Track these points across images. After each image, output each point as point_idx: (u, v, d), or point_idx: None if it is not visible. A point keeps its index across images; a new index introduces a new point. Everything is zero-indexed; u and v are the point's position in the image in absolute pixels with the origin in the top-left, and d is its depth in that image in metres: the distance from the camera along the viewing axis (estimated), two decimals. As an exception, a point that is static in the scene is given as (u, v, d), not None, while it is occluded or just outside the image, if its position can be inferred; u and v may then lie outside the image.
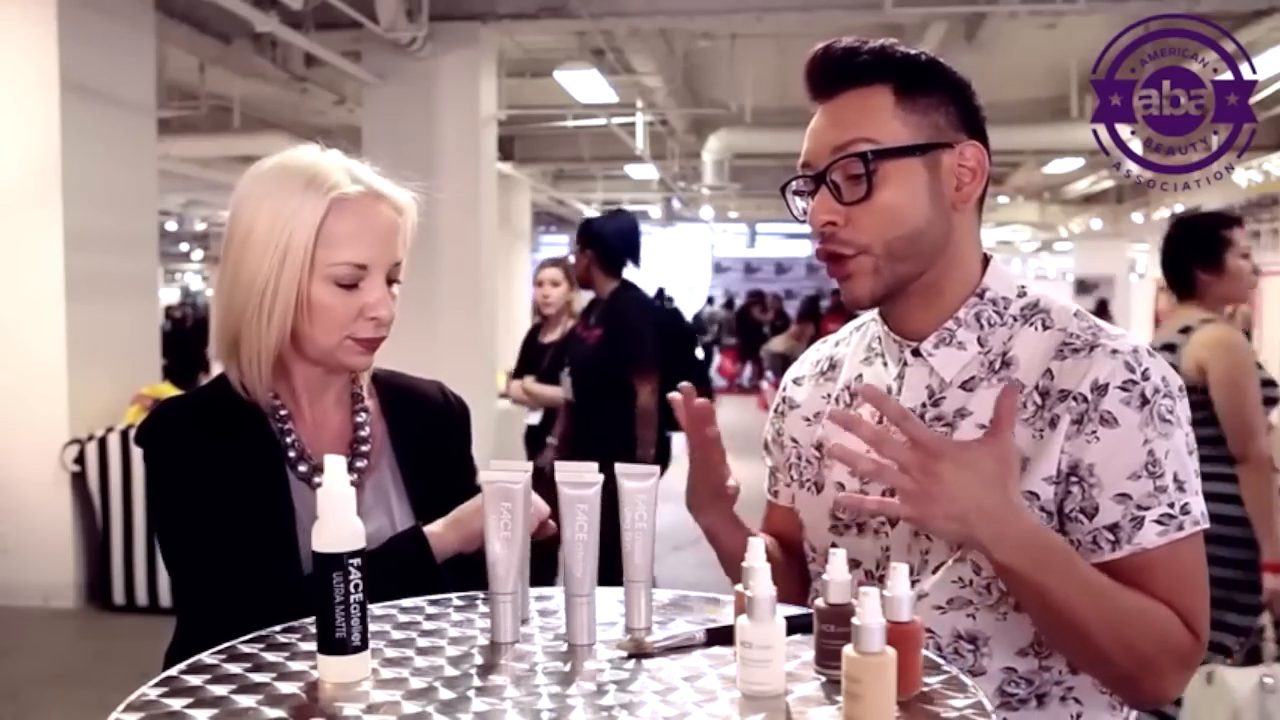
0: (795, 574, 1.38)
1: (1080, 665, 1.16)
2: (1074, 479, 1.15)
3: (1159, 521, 1.12)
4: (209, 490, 1.28)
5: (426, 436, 1.45)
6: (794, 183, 1.28)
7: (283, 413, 1.35)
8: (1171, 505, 1.12)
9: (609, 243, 4.25)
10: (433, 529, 1.31)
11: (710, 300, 21.09)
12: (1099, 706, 1.19)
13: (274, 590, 1.22)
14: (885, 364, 1.30)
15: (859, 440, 1.09)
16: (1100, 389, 1.14)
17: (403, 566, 1.27)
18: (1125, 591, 1.11)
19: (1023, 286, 1.27)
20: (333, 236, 1.29)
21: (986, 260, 1.28)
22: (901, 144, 1.19)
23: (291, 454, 1.33)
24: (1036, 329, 1.22)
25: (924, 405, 1.24)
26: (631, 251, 4.30)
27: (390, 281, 1.34)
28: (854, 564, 1.28)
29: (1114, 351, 1.16)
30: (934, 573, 1.21)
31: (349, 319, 1.31)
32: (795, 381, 1.44)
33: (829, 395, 1.37)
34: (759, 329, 18.31)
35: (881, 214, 1.19)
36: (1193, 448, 1.16)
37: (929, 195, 1.20)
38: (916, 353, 1.25)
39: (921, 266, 1.22)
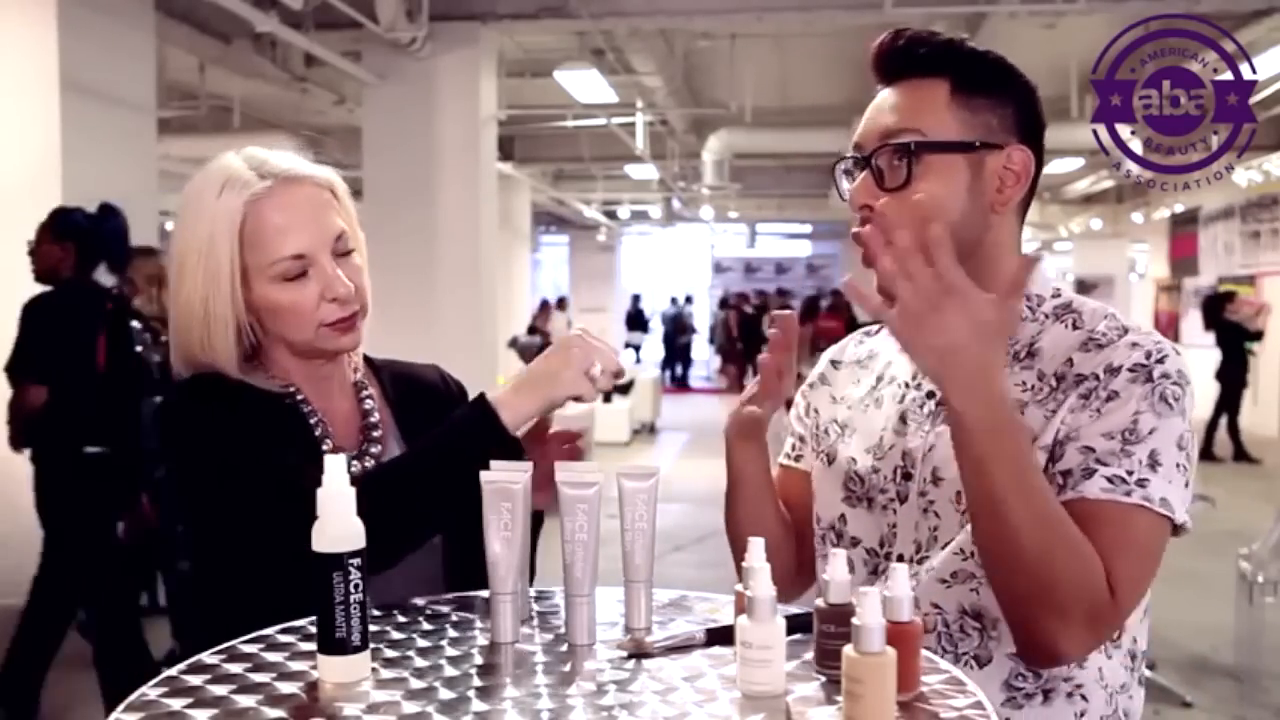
0: (794, 549, 1.41)
1: (995, 577, 1.13)
2: (1062, 441, 1.16)
3: (1109, 480, 1.11)
4: (261, 439, 1.24)
5: (429, 418, 1.43)
6: (843, 162, 1.29)
7: (299, 397, 1.34)
8: (1129, 473, 1.11)
9: (93, 240, 3.86)
10: (500, 397, 1.26)
11: (690, 300, 20.95)
12: (1103, 702, 1.19)
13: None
14: None
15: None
16: (1113, 371, 1.16)
17: (470, 444, 1.22)
18: (1066, 517, 1.09)
19: (1058, 288, 1.28)
20: (259, 238, 1.27)
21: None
22: (948, 139, 1.21)
23: (318, 432, 1.33)
24: (1067, 327, 1.23)
25: None
26: (114, 254, 3.90)
27: (344, 254, 1.31)
28: (855, 541, 1.31)
29: (1134, 344, 1.17)
30: (944, 549, 1.21)
31: (312, 309, 1.29)
32: (833, 363, 1.47)
33: (859, 381, 1.41)
34: (732, 334, 18.31)
35: (918, 204, 1.20)
36: (1185, 444, 1.14)
37: (968, 193, 1.22)
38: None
39: None
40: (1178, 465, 1.13)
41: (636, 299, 20.79)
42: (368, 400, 1.40)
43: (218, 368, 1.30)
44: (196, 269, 1.27)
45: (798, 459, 1.47)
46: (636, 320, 20.18)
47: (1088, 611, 1.09)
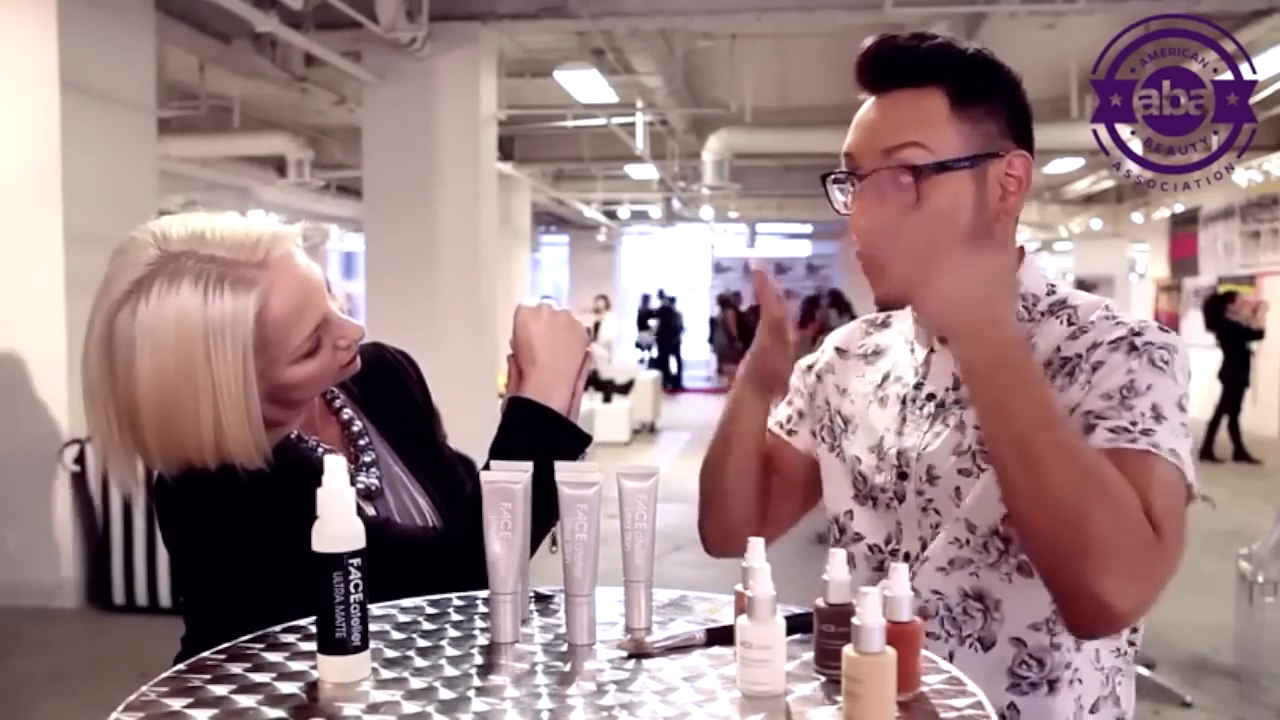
0: (758, 500, 1.44)
1: (1030, 529, 1.07)
2: None
3: (1111, 430, 1.09)
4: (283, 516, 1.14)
5: (394, 403, 1.43)
6: (837, 174, 1.26)
7: (295, 436, 1.31)
8: (1133, 424, 1.09)
9: None
10: (539, 392, 1.26)
11: (673, 300, 20.86)
12: (1098, 683, 1.20)
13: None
14: (913, 349, 1.32)
15: None
16: (1095, 347, 1.16)
17: (535, 438, 1.23)
18: (1095, 451, 1.06)
19: (1052, 284, 1.28)
20: (278, 332, 1.17)
21: (1021, 253, 1.28)
22: (954, 156, 1.18)
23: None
24: (1061, 322, 1.23)
25: (947, 390, 1.26)
26: None
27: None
28: (858, 537, 1.32)
29: (1118, 322, 1.18)
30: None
31: (330, 363, 1.24)
32: (839, 351, 1.46)
33: (862, 375, 1.40)
34: (731, 333, 18.28)
35: (924, 223, 1.18)
36: (1184, 408, 1.13)
37: (974, 206, 1.20)
38: (944, 340, 1.26)
39: None
40: (1182, 425, 1.11)
41: (646, 299, 20.76)
42: (345, 410, 1.38)
43: (250, 459, 1.18)
44: (195, 395, 1.13)
45: (790, 433, 1.47)
46: (647, 320, 20.13)
47: (1134, 554, 1.02)
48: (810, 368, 1.48)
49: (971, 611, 1.20)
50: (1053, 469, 1.03)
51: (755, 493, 1.43)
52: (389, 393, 1.43)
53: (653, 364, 18.31)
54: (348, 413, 1.39)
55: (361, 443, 1.37)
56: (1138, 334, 1.15)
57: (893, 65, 1.21)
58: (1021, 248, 1.29)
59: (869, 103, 1.24)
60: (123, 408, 1.15)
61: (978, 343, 1.07)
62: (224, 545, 1.22)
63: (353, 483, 1.24)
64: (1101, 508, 1.02)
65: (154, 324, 1.13)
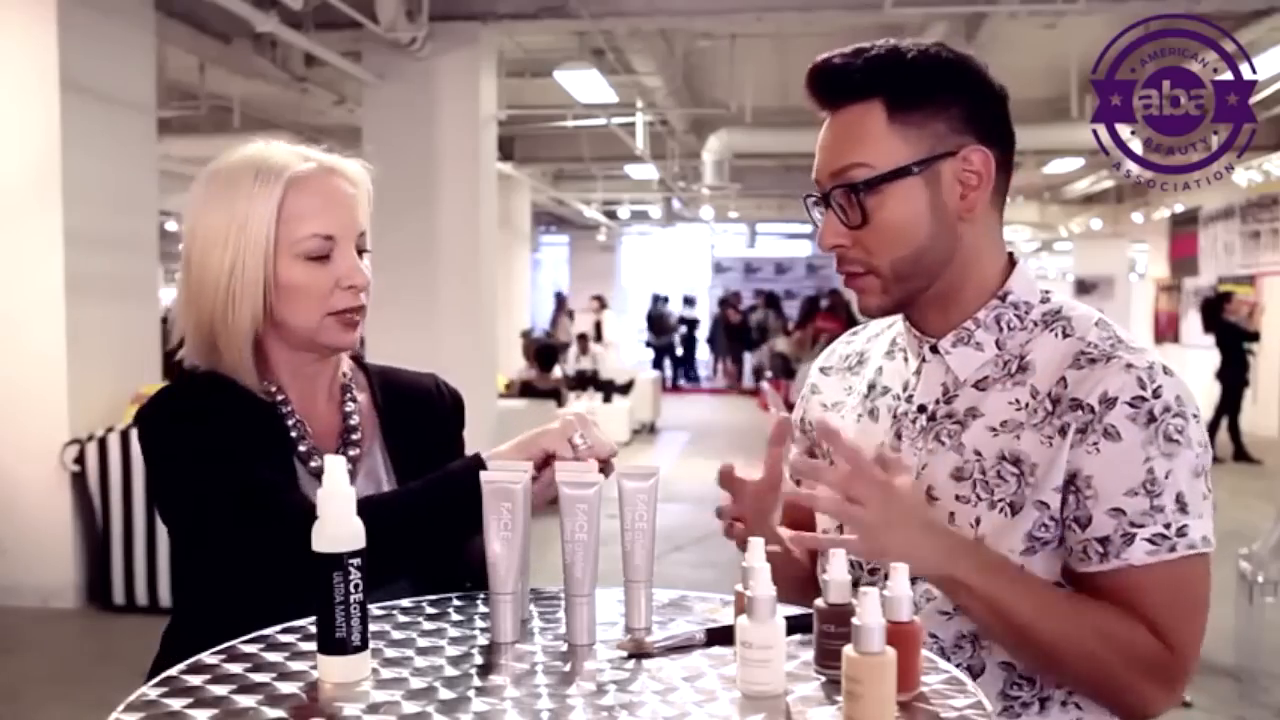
0: (803, 566, 1.40)
1: (1062, 683, 1.18)
2: (1072, 488, 1.14)
3: (1150, 541, 1.11)
4: (228, 453, 1.24)
5: (417, 424, 1.45)
6: (811, 197, 1.28)
7: (279, 397, 1.35)
8: (1167, 526, 1.11)
9: None
10: (495, 452, 1.28)
11: (665, 300, 20.84)
12: (1099, 712, 1.19)
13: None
14: (906, 359, 1.31)
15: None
16: (1109, 402, 1.14)
17: (461, 497, 1.23)
18: (1080, 600, 1.13)
19: (1046, 292, 1.26)
20: (295, 214, 1.30)
21: (1012, 261, 1.27)
22: (895, 165, 1.17)
23: (294, 435, 1.34)
24: (1057, 336, 1.21)
25: (937, 401, 1.25)
26: None
27: (360, 252, 1.34)
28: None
29: (1129, 365, 1.15)
30: None
31: (325, 293, 1.31)
32: (822, 371, 1.46)
33: (850, 388, 1.39)
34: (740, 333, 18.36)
35: (883, 236, 1.19)
36: (1202, 470, 1.14)
37: (930, 211, 1.19)
38: (935, 350, 1.26)
39: (929, 280, 1.22)
40: (1203, 495, 1.14)
41: (656, 299, 20.75)
42: (350, 403, 1.41)
43: (220, 354, 1.31)
44: (227, 244, 1.29)
45: (798, 483, 1.46)
46: (655, 322, 20.14)
47: (1145, 671, 1.13)
48: (803, 398, 1.47)
49: (962, 644, 1.20)
50: (1060, 639, 1.11)
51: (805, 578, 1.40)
52: (414, 412, 1.46)
53: (677, 363, 18.45)
54: (351, 406, 1.41)
55: (354, 437, 1.39)
56: (1155, 393, 1.13)
57: (834, 84, 1.23)
58: (1011, 255, 1.27)
59: (826, 123, 1.25)
60: (187, 241, 1.33)
61: (957, 562, 1.10)
62: (185, 464, 1.26)
63: (312, 469, 1.32)
64: (1106, 653, 1.11)
65: (220, 178, 1.33)
